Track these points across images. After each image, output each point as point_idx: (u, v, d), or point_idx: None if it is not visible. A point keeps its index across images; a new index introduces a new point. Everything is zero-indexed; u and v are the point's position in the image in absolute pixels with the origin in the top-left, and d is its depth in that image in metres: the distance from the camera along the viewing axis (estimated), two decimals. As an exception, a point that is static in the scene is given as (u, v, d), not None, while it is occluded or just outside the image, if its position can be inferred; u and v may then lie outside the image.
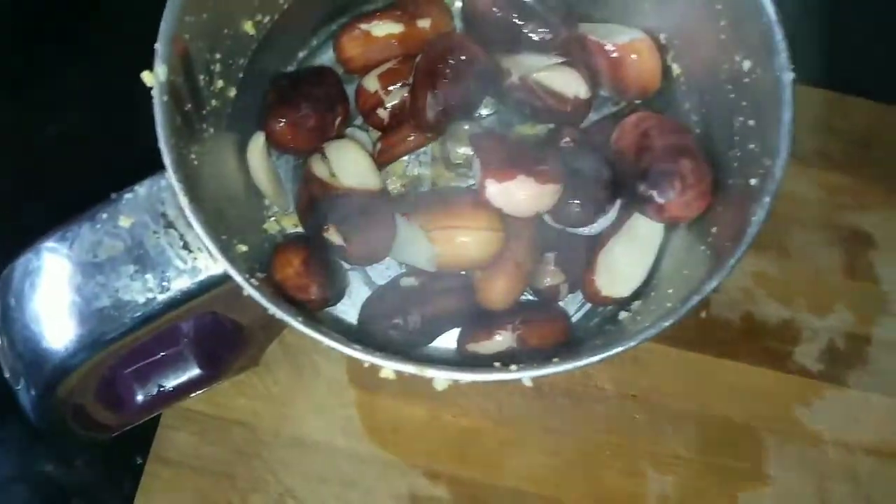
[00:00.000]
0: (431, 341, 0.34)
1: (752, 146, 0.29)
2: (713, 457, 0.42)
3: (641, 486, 0.41)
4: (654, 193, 0.31)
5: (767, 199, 0.26)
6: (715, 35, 0.31)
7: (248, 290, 0.25)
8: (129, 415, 0.37)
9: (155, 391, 0.37)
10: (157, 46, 0.26)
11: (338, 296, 0.33)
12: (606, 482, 0.42)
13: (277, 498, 0.41)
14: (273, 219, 0.35)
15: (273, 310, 0.25)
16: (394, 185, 0.37)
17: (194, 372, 0.38)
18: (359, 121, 0.38)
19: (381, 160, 0.36)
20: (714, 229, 0.30)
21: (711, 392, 0.43)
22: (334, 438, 0.42)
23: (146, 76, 0.26)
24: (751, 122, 0.29)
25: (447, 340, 0.35)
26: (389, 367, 0.24)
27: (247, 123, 0.34)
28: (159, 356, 0.37)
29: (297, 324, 0.24)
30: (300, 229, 0.35)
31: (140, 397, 0.37)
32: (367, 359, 0.24)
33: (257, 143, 0.34)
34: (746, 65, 0.29)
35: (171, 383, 0.38)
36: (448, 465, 0.42)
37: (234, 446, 0.42)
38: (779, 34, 0.28)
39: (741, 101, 0.30)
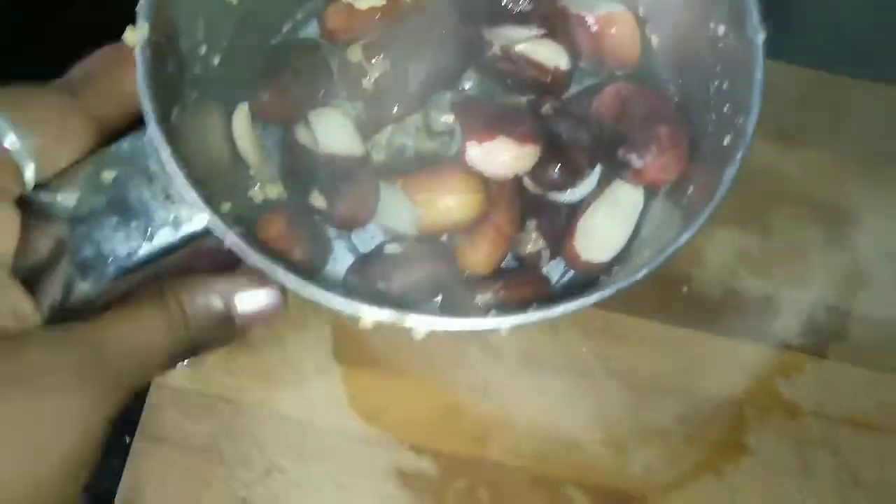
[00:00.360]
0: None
1: (725, 108, 0.29)
2: (696, 429, 0.42)
3: (626, 459, 0.42)
4: (633, 157, 0.31)
5: (739, 155, 0.27)
6: (691, 4, 0.32)
7: (230, 240, 0.25)
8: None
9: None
10: (140, 3, 0.27)
11: (321, 260, 0.33)
12: (591, 456, 0.42)
13: (263, 472, 0.41)
14: (257, 187, 0.36)
15: (254, 258, 0.25)
16: (378, 155, 0.37)
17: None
18: (345, 93, 0.38)
19: (367, 130, 0.37)
20: (689, 190, 0.30)
21: (694, 366, 0.43)
22: (320, 414, 0.42)
23: (128, 34, 0.26)
24: (725, 85, 0.30)
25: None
26: (369, 316, 0.25)
27: (232, 93, 0.34)
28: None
29: (278, 273, 0.25)
30: (284, 198, 0.35)
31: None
32: (346, 306, 0.25)
33: (242, 112, 0.34)
34: (721, 29, 0.30)
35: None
36: (434, 441, 0.42)
37: (221, 423, 0.42)
38: (750, -4, 0.28)
39: (716, 65, 0.31)
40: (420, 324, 0.25)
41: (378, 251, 0.35)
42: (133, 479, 0.41)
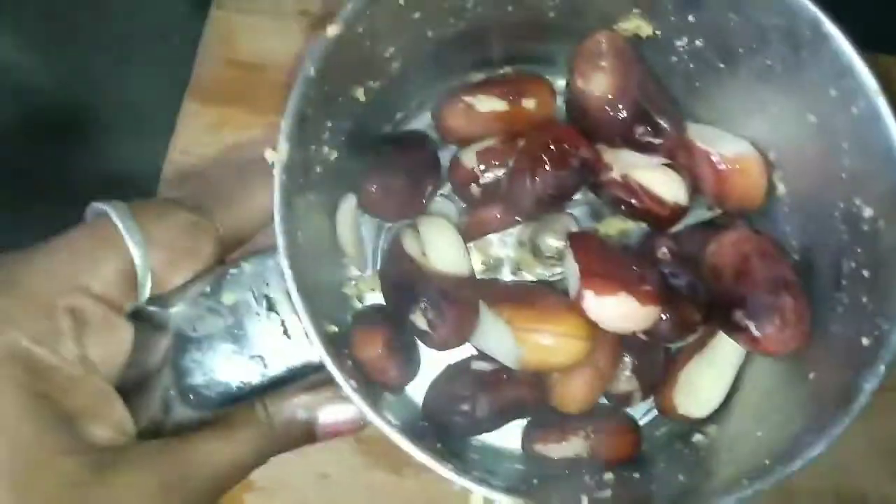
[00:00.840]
0: (494, 430, 0.34)
1: (863, 299, 0.28)
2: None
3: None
4: (752, 325, 0.30)
5: (882, 368, 0.25)
6: (835, 172, 0.30)
7: (347, 392, 0.24)
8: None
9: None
10: (282, 123, 0.26)
11: (412, 378, 0.32)
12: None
13: None
14: (353, 283, 0.35)
15: (370, 416, 0.24)
16: (475, 264, 0.36)
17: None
18: (446, 189, 0.37)
19: (466, 235, 0.36)
20: (811, 375, 0.29)
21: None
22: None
23: (268, 154, 0.25)
24: (865, 273, 0.28)
25: (507, 438, 0.34)
26: (481, 493, 0.24)
27: (341, 183, 0.34)
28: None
29: (393, 434, 0.24)
30: (377, 294, 0.35)
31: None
32: (460, 481, 0.24)
33: (349, 205, 0.34)
34: (867, 212, 0.28)
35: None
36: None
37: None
38: (913, 199, 0.27)
39: (855, 245, 0.29)
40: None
41: (464, 366, 0.34)
42: None
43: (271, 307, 0.25)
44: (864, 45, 0.28)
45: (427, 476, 0.38)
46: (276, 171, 0.25)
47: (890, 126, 0.27)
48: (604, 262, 0.30)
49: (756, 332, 0.30)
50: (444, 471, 0.24)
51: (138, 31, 0.47)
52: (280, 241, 0.24)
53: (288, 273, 0.24)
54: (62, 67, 0.46)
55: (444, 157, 0.37)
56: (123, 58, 0.47)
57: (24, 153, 0.46)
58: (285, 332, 0.25)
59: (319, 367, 0.25)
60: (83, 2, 0.47)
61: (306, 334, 0.24)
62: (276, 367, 0.25)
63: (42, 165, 0.45)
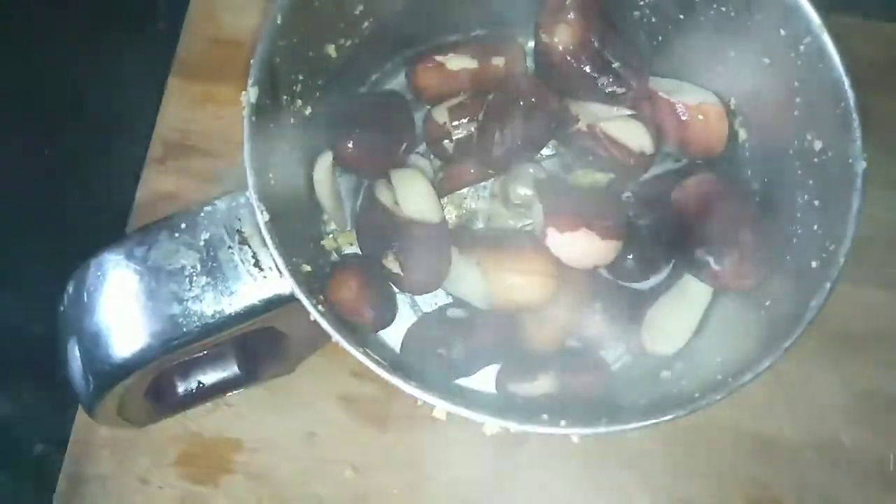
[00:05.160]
0: (471, 374, 0.35)
1: (814, 226, 0.29)
2: None
3: None
4: (711, 260, 0.31)
5: (828, 285, 0.26)
6: (788, 110, 0.31)
7: (315, 316, 0.25)
8: (166, 407, 0.38)
9: (194, 387, 0.38)
10: (252, 68, 0.27)
11: (388, 321, 0.34)
12: None
13: (212, 406, 0.41)
14: (330, 236, 0.36)
15: (338, 338, 0.25)
16: (450, 216, 0.38)
17: (232, 372, 0.39)
18: (422, 148, 0.39)
19: (442, 189, 0.37)
20: (768, 302, 0.30)
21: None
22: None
23: (242, 95, 0.26)
24: (816, 202, 0.29)
25: (483, 380, 0.35)
26: (443, 408, 0.25)
27: (317, 140, 0.35)
28: (202, 353, 0.38)
29: (360, 355, 0.25)
30: (355, 248, 0.36)
31: (180, 391, 0.38)
32: (424, 397, 0.25)
33: (325, 161, 0.35)
34: (818, 145, 0.30)
35: (209, 381, 0.39)
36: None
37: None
38: (856, 121, 0.28)
39: (808, 178, 0.30)
40: (495, 423, 0.25)
41: (440, 313, 0.35)
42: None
43: (243, 241, 0.26)
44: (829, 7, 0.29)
45: (408, 427, 0.40)
46: (245, 112, 0.26)
47: (834, 58, 0.28)
48: (567, 203, 0.31)
49: (716, 267, 0.31)
50: (407, 387, 0.25)
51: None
52: (249, 176, 0.25)
53: (256, 204, 0.25)
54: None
55: (420, 117, 0.38)
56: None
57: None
58: (257, 263, 0.26)
59: (291, 298, 0.26)
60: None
61: (276, 265, 0.25)
62: (249, 298, 0.26)
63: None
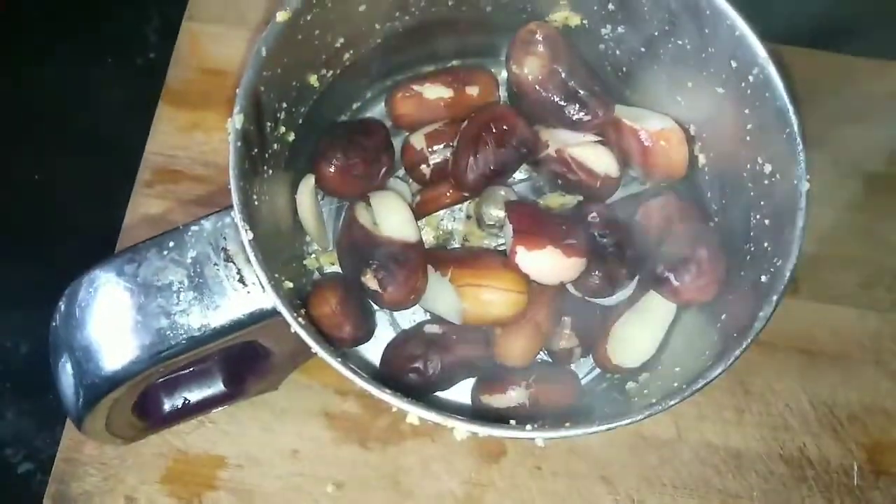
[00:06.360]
0: (447, 388, 0.37)
1: (765, 244, 0.31)
2: None
3: None
4: (672, 276, 0.33)
5: (774, 298, 0.28)
6: (741, 136, 0.33)
7: (295, 328, 0.27)
8: (152, 423, 0.39)
9: (180, 403, 0.39)
10: (237, 97, 0.29)
11: (367, 336, 0.35)
12: None
13: (196, 423, 0.42)
14: (313, 256, 0.38)
15: (316, 349, 0.27)
16: (427, 236, 0.39)
17: (218, 389, 0.40)
18: (401, 172, 0.41)
19: (419, 212, 0.39)
20: (723, 316, 0.32)
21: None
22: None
23: (228, 122, 0.28)
24: (766, 221, 0.32)
25: (459, 393, 0.37)
26: (415, 414, 0.26)
27: (300, 164, 0.37)
28: (188, 370, 0.39)
29: (337, 364, 0.27)
30: (336, 268, 0.38)
31: (166, 408, 0.39)
32: (398, 404, 0.26)
33: (308, 184, 0.37)
34: (767, 168, 0.32)
35: (195, 397, 0.40)
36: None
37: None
38: (800, 146, 0.30)
39: (760, 199, 0.32)
40: (464, 428, 0.26)
41: (418, 329, 0.37)
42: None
43: (228, 258, 0.28)
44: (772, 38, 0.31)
45: (389, 444, 0.41)
46: (231, 139, 0.28)
47: (779, 87, 0.30)
48: (534, 223, 0.33)
49: (675, 282, 0.33)
50: (382, 394, 0.26)
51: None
52: (234, 196, 0.27)
53: (241, 224, 0.27)
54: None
55: (398, 143, 0.40)
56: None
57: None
58: (241, 279, 0.28)
59: (273, 312, 0.28)
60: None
61: (259, 280, 0.27)
62: (233, 312, 0.28)
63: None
